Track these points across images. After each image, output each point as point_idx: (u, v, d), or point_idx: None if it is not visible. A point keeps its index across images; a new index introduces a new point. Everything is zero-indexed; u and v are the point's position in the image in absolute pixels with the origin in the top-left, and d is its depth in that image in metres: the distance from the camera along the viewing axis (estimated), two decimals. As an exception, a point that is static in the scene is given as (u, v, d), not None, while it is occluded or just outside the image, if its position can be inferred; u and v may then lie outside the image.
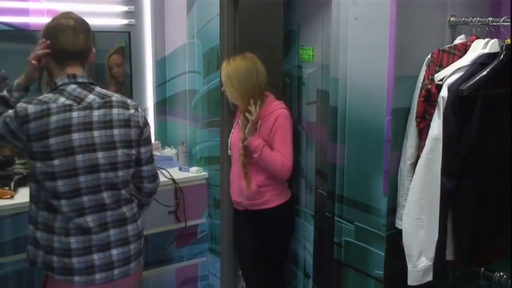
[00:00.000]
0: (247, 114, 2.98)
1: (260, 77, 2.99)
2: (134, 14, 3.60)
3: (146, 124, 2.28)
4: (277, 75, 3.28)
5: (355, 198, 2.59)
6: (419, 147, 2.37)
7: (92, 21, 3.39)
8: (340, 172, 2.66)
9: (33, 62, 2.20)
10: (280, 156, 2.97)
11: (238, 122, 3.15)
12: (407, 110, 2.41)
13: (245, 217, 3.19)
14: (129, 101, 2.26)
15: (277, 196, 3.08)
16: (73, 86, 2.15)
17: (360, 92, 2.51)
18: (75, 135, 2.07)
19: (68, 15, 2.23)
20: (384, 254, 2.45)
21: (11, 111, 2.10)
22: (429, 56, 2.35)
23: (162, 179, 3.33)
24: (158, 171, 3.39)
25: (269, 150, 2.97)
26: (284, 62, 3.28)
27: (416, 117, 2.35)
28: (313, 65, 2.97)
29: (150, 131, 2.29)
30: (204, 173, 3.48)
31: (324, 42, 2.83)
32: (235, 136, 3.14)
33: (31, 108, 2.05)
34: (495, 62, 2.24)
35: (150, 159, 2.30)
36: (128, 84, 3.65)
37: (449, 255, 2.37)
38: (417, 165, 2.33)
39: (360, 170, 2.55)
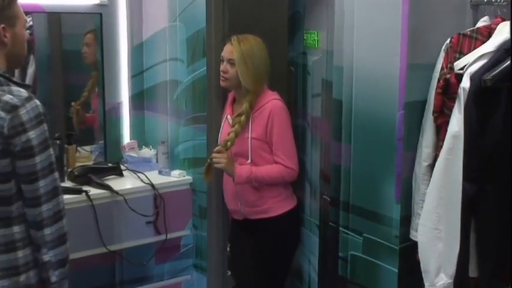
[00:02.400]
0: (214, 159, 3.01)
1: (268, 66, 3.05)
2: (106, -8, 3.62)
3: (18, 133, 1.99)
4: (280, 64, 3.29)
5: (362, 206, 2.60)
6: (437, 146, 2.38)
7: (58, 1, 3.44)
8: (346, 175, 2.67)
9: None
10: (278, 170, 3.01)
11: (227, 117, 3.16)
12: (423, 104, 2.42)
13: (243, 228, 3.20)
14: (7, 97, 2.00)
15: (281, 203, 3.09)
16: None
17: (367, 83, 2.52)
18: None
19: None
20: (396, 270, 2.47)
21: None
22: (448, 41, 2.36)
23: (138, 184, 3.35)
24: (135, 174, 3.46)
25: (260, 170, 3.01)
26: (289, 48, 3.29)
27: (433, 112, 2.36)
28: (318, 51, 2.99)
29: (30, 142, 2.00)
30: (188, 177, 3.49)
31: (329, 26, 2.84)
32: (225, 133, 3.14)
33: None
34: (524, 48, 2.25)
35: (33, 177, 2.04)
36: (99, 74, 3.65)
37: (472, 271, 2.38)
38: (434, 167, 2.33)
39: (368, 173, 2.56)
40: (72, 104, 3.64)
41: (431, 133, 2.40)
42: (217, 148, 3.04)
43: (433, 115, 2.37)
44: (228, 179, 3.15)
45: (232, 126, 3.06)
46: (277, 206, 3.08)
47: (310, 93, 3.11)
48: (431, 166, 2.38)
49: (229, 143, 3.03)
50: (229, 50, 3.05)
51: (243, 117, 3.02)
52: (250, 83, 3.01)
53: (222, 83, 3.10)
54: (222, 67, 3.08)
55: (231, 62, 3.03)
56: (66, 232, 2.13)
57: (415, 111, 2.42)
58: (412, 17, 2.33)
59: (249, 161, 3.02)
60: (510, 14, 2.30)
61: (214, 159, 3.02)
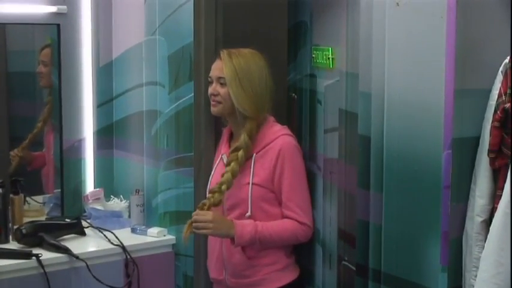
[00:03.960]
0: (195, 224, 2.96)
1: (271, 87, 3.07)
2: (66, -2, 3.65)
3: None
4: (278, 89, 3.29)
5: (398, 275, 2.58)
6: (494, 196, 2.37)
7: (4, 9, 3.46)
8: (376, 235, 2.66)
9: None
10: (292, 227, 3.01)
11: (222, 157, 3.16)
12: (476, 141, 2.42)
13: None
14: None
15: (279, 273, 3.07)
16: None
17: (403, 114, 2.52)
18: None
19: None
20: None
21: None
22: (506, 61, 2.36)
23: (105, 245, 3.34)
24: (101, 233, 3.45)
25: (267, 227, 2.99)
26: (289, 69, 3.31)
27: (488, 152, 2.35)
28: (333, 73, 3.00)
29: None
30: (170, 237, 3.48)
31: (350, 40, 2.86)
32: (217, 179, 3.12)
33: None
34: None
35: None
36: (55, 102, 3.67)
37: None
38: (492, 224, 2.32)
39: (406, 232, 2.55)
40: (15, 151, 3.65)
41: (486, 179, 2.39)
42: (196, 211, 3.01)
43: (488, 156, 2.36)
44: (214, 239, 3.13)
45: (228, 164, 3.05)
46: (273, 277, 3.07)
47: (321, 127, 3.11)
48: (488, 222, 2.37)
49: (224, 186, 3.01)
50: (218, 67, 3.07)
51: (241, 152, 3.02)
52: (247, 106, 3.02)
53: (213, 110, 3.11)
54: (210, 89, 3.09)
55: (221, 81, 3.05)
56: None
57: (465, 150, 2.42)
58: (461, 29, 2.34)
59: (249, 213, 3.02)
60: (510, 15, 2.35)
61: (194, 225, 2.97)
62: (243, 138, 3.02)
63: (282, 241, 3.02)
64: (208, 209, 3.01)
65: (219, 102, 3.07)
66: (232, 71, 3.02)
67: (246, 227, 2.97)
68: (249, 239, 2.97)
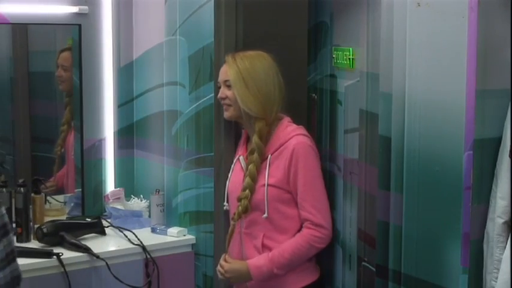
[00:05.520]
0: (218, 269, 3.10)
1: (280, 87, 3.05)
2: (87, -2, 3.67)
3: None
4: (297, 90, 3.30)
5: (418, 276, 2.57)
6: (516, 197, 2.36)
7: (23, 9, 3.48)
8: (396, 236, 2.65)
9: None
10: (304, 239, 2.97)
11: (239, 158, 3.17)
12: (497, 142, 2.41)
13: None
14: None
15: (300, 275, 3.06)
16: None
17: (424, 115, 2.52)
18: None
19: None
20: None
21: None
22: (528, 61, 2.37)
23: (125, 245, 3.36)
24: (121, 232, 3.46)
25: (281, 253, 2.98)
26: (309, 69, 3.30)
27: (510, 153, 2.35)
28: (353, 73, 2.99)
29: None
30: (190, 237, 3.49)
31: (370, 40, 2.85)
32: (234, 180, 3.14)
33: None
34: None
35: None
36: (76, 102, 3.68)
37: None
38: (513, 225, 2.32)
39: (426, 233, 2.54)
40: (45, 186, 3.64)
41: (508, 180, 2.37)
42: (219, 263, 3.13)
43: (510, 157, 2.35)
44: (233, 239, 3.12)
45: (246, 168, 3.05)
46: (293, 279, 3.05)
47: (341, 128, 3.10)
48: (509, 224, 2.36)
49: (247, 191, 3.01)
50: (223, 71, 3.08)
51: (255, 155, 3.02)
52: (252, 106, 3.01)
53: (225, 114, 3.11)
54: (219, 94, 3.10)
55: (227, 83, 3.05)
56: None
57: (487, 151, 2.41)
58: (483, 29, 2.33)
59: (265, 215, 3.01)
60: (510, 15, 2.34)
61: (220, 277, 3.13)
62: (254, 140, 3.03)
63: (302, 258, 3.00)
64: (239, 217, 3.04)
65: (229, 105, 3.07)
66: (236, 72, 3.02)
67: (262, 267, 2.99)
68: (267, 276, 2.99)
